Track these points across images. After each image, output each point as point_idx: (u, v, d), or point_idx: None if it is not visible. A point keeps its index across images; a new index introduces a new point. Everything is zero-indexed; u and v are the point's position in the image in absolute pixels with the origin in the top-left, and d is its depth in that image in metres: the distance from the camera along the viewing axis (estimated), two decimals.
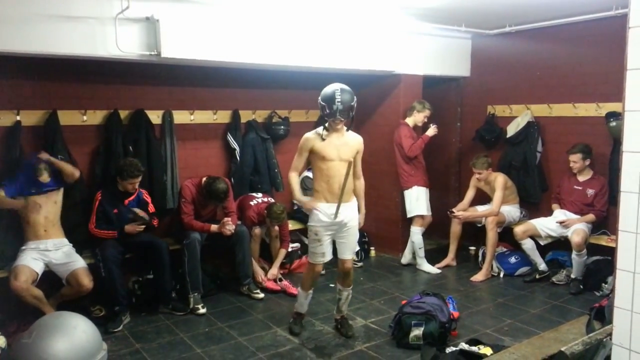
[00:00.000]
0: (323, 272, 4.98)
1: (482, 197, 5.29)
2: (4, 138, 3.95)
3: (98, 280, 3.86)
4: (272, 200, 4.88)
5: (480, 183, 5.19)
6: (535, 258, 4.81)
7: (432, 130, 5.09)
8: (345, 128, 3.46)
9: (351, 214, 3.55)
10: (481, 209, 5.20)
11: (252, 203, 4.78)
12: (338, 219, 3.47)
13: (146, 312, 4.12)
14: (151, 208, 4.24)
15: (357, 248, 3.79)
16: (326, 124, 3.44)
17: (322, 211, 3.46)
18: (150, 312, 4.12)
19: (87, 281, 3.73)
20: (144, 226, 4.06)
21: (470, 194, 5.26)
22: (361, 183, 3.70)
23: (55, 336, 2.35)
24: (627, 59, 1.91)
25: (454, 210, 5.19)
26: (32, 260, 3.67)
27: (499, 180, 5.01)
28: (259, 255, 4.89)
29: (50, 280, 3.82)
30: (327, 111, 3.33)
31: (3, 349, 3.12)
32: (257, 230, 4.76)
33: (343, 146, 3.44)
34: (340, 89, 3.32)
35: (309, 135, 3.49)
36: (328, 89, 3.36)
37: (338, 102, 3.27)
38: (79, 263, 3.81)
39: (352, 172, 3.47)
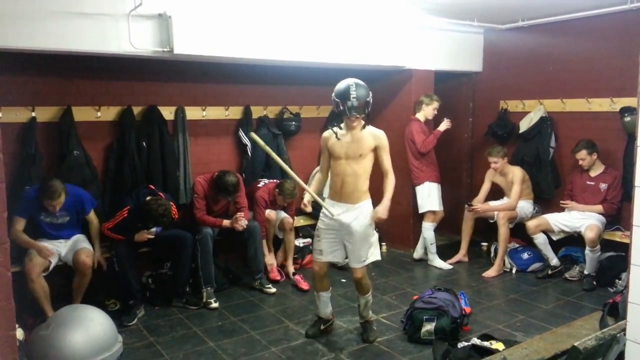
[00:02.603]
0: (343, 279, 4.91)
1: (495, 193, 5.26)
2: (20, 134, 4.00)
3: (112, 275, 3.92)
4: (278, 181, 4.91)
5: (495, 176, 5.16)
6: (547, 253, 4.78)
7: (444, 125, 5.06)
8: (362, 124, 3.27)
9: (354, 217, 3.32)
10: (495, 204, 5.17)
11: (260, 185, 4.82)
12: (339, 219, 3.31)
13: (160, 306, 4.17)
14: (174, 211, 4.17)
15: (367, 260, 3.38)
16: (342, 123, 3.30)
17: (325, 208, 3.37)
18: (163, 306, 4.17)
19: (83, 257, 3.77)
20: (153, 235, 4.09)
21: (485, 187, 5.24)
22: (390, 180, 3.37)
23: (73, 328, 2.40)
24: None
25: (472, 203, 5.17)
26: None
27: (517, 173, 4.99)
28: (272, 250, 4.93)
29: (62, 273, 3.89)
30: (341, 108, 3.14)
31: (21, 341, 3.18)
32: (271, 214, 4.79)
33: (353, 144, 3.28)
34: (354, 83, 3.14)
35: (326, 133, 3.42)
36: (341, 84, 3.18)
37: (353, 97, 3.09)
38: (82, 244, 3.89)
39: (361, 171, 3.30)
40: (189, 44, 3.86)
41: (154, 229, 4.11)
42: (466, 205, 5.18)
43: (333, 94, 3.20)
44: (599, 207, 4.60)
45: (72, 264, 3.83)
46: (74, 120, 4.16)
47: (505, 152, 5.05)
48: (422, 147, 5.00)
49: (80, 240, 3.95)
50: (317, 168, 5.11)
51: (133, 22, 3.67)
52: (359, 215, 3.33)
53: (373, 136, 3.31)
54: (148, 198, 4.00)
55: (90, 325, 2.42)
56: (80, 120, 4.22)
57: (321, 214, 3.45)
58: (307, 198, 3.52)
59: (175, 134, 4.66)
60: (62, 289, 3.93)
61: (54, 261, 3.76)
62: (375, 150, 3.32)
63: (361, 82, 3.20)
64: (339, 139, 3.31)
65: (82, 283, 3.83)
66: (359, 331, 3.70)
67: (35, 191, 3.73)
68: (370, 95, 3.21)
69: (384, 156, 3.35)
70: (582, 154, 4.62)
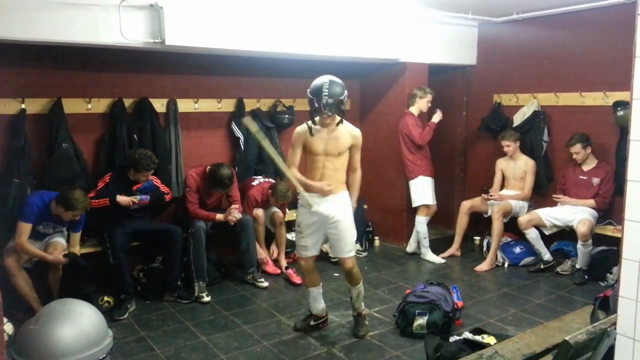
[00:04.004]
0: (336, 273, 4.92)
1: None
2: (9, 126, 3.95)
3: (105, 269, 3.89)
4: (273, 181, 4.89)
5: (503, 163, 5.18)
6: (539, 248, 4.80)
7: (437, 116, 5.06)
8: (336, 121, 3.24)
9: (335, 207, 3.31)
10: (508, 193, 5.17)
11: (254, 184, 4.81)
12: (319, 211, 3.28)
13: (151, 300, 4.15)
14: (164, 188, 4.31)
15: (353, 249, 3.37)
16: (315, 118, 3.25)
17: (303, 201, 3.34)
18: (155, 300, 4.15)
19: (51, 249, 3.73)
20: (137, 200, 4.05)
21: (498, 177, 5.27)
22: (357, 175, 3.49)
23: (62, 323, 2.36)
24: (635, 46, 1.88)
25: (489, 190, 5.17)
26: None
27: (531, 164, 5.04)
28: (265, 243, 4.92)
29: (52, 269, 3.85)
30: (315, 105, 3.12)
31: (10, 336, 3.16)
32: (259, 212, 4.77)
33: (332, 141, 3.26)
34: (329, 81, 3.12)
35: (300, 129, 3.35)
36: (316, 81, 3.17)
37: (325, 95, 3.07)
38: (54, 238, 3.84)
39: (340, 165, 3.32)
40: (181, 35, 3.82)
41: (138, 196, 4.05)
42: (483, 193, 5.17)
43: (308, 91, 3.19)
44: (591, 202, 4.62)
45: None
46: (63, 112, 4.10)
47: (519, 136, 5.06)
48: (420, 140, 4.99)
49: (56, 235, 3.90)
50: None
51: (124, 13, 3.63)
52: (339, 204, 3.35)
53: (351, 135, 3.32)
54: None
55: (80, 320, 2.39)
56: (70, 113, 4.17)
57: (300, 209, 3.43)
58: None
59: (167, 126, 4.62)
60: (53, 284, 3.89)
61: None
62: (350, 148, 3.35)
63: (337, 80, 3.18)
64: (312, 135, 3.27)
65: (56, 277, 3.80)
66: (351, 325, 3.69)
67: (43, 198, 3.66)
68: (345, 93, 3.19)
69: (357, 155, 3.41)
70: (577, 147, 4.62)
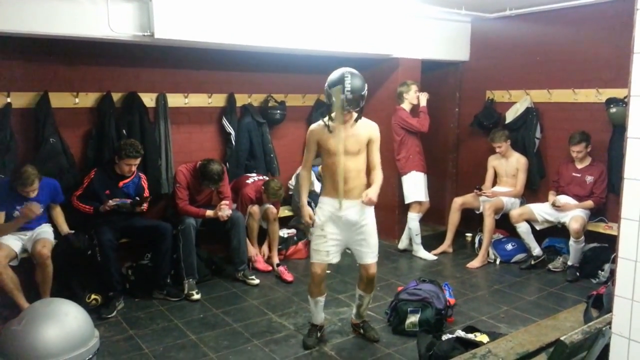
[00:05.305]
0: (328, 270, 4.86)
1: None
2: None
3: (93, 267, 3.82)
4: (267, 179, 4.84)
5: (496, 160, 5.17)
6: (529, 242, 4.79)
7: (423, 99, 4.99)
8: (354, 117, 3.04)
9: (362, 211, 3.12)
10: (500, 190, 5.15)
11: (248, 182, 4.75)
12: (345, 214, 3.09)
13: (140, 298, 4.09)
14: (146, 194, 4.19)
15: (377, 253, 3.24)
16: (332, 114, 3.01)
17: (328, 204, 3.14)
18: (144, 298, 4.09)
19: (39, 247, 3.62)
20: (115, 204, 3.92)
21: (490, 173, 5.26)
22: (378, 173, 3.15)
23: (47, 323, 2.31)
24: (633, 42, 1.85)
25: (481, 187, 5.15)
26: (12, 241, 3.64)
27: (523, 162, 5.02)
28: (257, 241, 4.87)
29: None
30: (334, 100, 2.93)
31: None
32: (254, 208, 4.72)
33: (350, 138, 3.03)
34: (350, 74, 2.91)
35: (314, 127, 3.14)
36: (335, 74, 2.95)
37: (347, 90, 2.87)
38: (42, 235, 3.75)
39: (361, 166, 3.11)
40: (171, 28, 3.75)
41: (115, 201, 3.92)
42: (475, 190, 5.14)
43: (326, 85, 3.00)
44: (590, 203, 4.57)
45: (32, 256, 3.69)
46: (50, 106, 4.02)
47: (508, 134, 5.04)
48: (421, 127, 4.94)
49: (42, 231, 3.80)
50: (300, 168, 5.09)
51: (112, 5, 3.56)
52: (365, 207, 3.13)
53: (369, 130, 3.12)
54: None
55: (65, 320, 2.34)
56: (57, 107, 4.09)
57: (322, 211, 3.16)
58: (308, 211, 3.20)
59: (157, 121, 4.54)
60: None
61: (17, 250, 3.65)
62: (368, 144, 3.13)
63: (356, 72, 2.98)
64: (330, 131, 3.04)
65: (44, 275, 3.65)
66: (343, 323, 3.66)
67: (7, 182, 3.62)
68: (366, 88, 3.00)
69: (375, 151, 3.16)
70: (581, 146, 4.56)
